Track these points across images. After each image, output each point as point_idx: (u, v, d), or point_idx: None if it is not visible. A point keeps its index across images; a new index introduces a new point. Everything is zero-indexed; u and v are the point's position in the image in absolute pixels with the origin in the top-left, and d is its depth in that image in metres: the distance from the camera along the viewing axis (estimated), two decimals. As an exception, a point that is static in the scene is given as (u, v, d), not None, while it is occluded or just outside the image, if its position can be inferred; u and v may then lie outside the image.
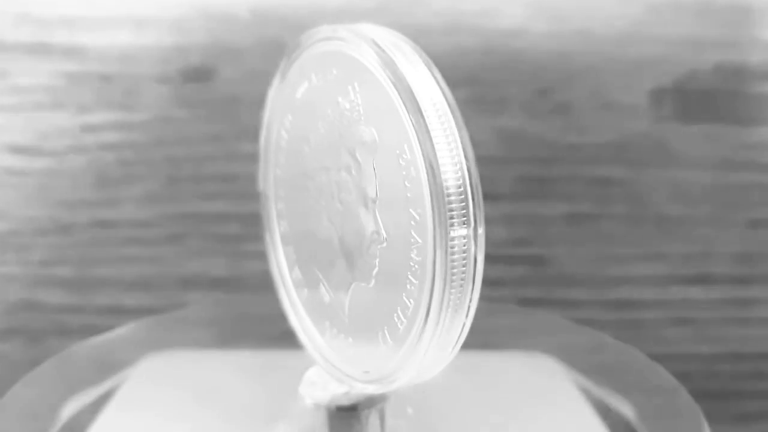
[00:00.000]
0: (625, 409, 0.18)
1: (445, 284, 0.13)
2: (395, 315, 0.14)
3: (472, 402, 0.18)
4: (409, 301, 0.14)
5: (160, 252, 0.27)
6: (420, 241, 0.14)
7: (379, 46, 0.14)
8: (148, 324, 0.23)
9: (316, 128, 0.16)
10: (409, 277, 0.14)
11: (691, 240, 0.27)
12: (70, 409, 0.18)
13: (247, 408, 0.18)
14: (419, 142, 0.13)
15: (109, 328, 0.22)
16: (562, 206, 0.27)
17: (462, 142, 0.13)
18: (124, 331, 0.22)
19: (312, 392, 0.17)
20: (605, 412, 0.18)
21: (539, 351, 0.21)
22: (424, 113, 0.13)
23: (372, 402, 0.17)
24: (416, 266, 0.14)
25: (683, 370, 0.19)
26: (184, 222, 0.26)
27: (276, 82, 0.17)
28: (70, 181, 0.26)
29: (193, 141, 0.26)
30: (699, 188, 0.26)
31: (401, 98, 0.13)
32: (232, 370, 0.20)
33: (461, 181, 0.13)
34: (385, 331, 0.15)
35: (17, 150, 0.26)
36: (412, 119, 0.13)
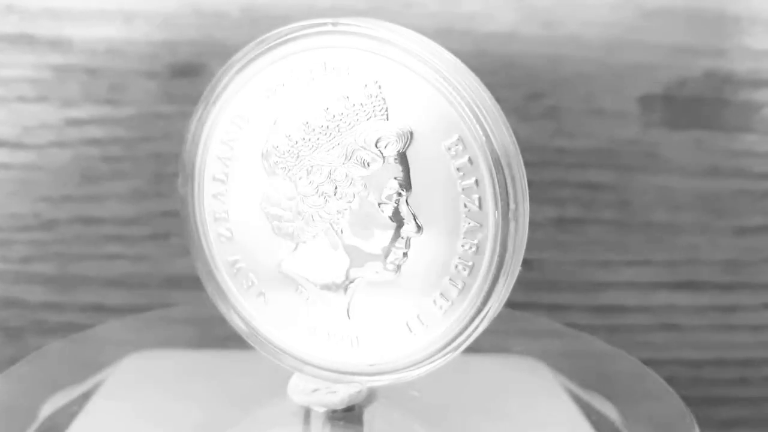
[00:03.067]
0: (613, 414, 0.18)
1: (515, 259, 0.14)
2: (433, 301, 0.15)
3: (460, 405, 0.18)
4: (457, 284, 0.14)
5: (145, 250, 0.26)
6: (479, 224, 0.14)
7: (416, 41, 0.14)
8: (130, 323, 0.22)
9: (304, 126, 0.15)
10: (458, 261, 0.14)
11: (677, 246, 0.27)
12: (48, 408, 0.18)
13: (231, 409, 0.18)
14: (481, 132, 0.14)
15: (90, 326, 0.22)
16: (551, 211, 0.27)
17: (508, 127, 0.14)
18: (105, 329, 0.22)
19: (320, 399, 0.16)
20: (594, 416, 0.18)
21: (528, 355, 0.21)
22: (477, 104, 0.14)
23: (371, 399, 0.16)
24: (471, 250, 0.14)
25: (668, 375, 0.19)
26: (170, 220, 0.26)
27: (216, 79, 0.16)
28: (53, 177, 0.26)
29: (180, 137, 0.26)
30: (686, 195, 0.27)
31: (452, 92, 0.14)
32: (216, 370, 0.20)
33: (511, 165, 0.14)
34: (419, 319, 0.15)
35: (-1, 143, 0.26)
36: (468, 111, 0.14)
